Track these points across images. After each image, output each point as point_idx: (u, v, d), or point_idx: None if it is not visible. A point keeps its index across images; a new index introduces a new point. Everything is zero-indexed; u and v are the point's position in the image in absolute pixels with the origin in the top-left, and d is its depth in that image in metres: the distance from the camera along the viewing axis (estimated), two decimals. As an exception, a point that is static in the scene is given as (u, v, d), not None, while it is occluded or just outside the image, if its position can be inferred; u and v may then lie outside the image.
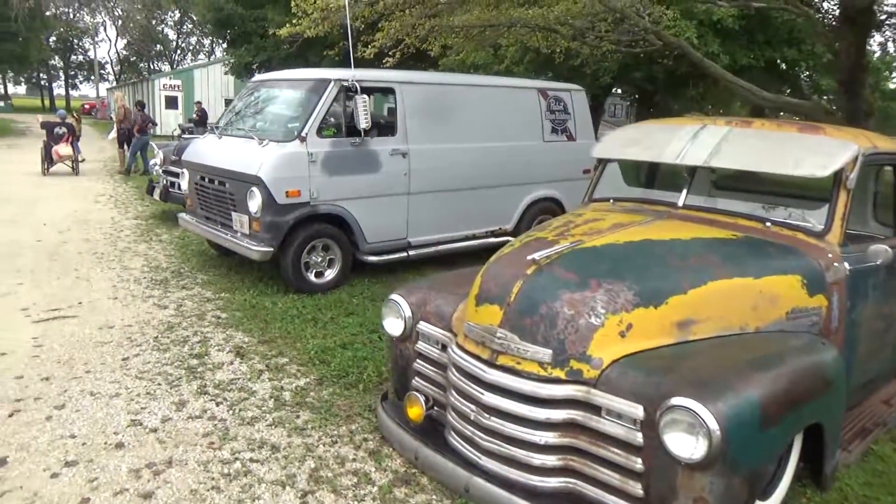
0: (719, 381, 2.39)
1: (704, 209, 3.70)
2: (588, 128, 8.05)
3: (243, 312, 5.34)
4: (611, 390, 2.53)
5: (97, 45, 62.93)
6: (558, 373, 2.64)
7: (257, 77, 6.99)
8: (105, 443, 3.26)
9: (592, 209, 3.95)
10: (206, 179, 6.36)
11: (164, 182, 9.16)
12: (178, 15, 62.21)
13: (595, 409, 2.56)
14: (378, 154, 6.12)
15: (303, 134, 5.68)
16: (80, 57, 64.29)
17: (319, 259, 6.05)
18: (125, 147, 15.26)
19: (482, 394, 2.78)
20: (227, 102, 32.59)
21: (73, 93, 69.86)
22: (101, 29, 59.22)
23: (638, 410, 2.42)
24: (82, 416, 3.53)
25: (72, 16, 56.02)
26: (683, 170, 3.79)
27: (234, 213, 5.99)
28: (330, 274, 6.13)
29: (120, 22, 55.15)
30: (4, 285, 5.89)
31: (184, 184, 6.91)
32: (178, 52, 66.48)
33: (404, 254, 6.50)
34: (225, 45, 29.45)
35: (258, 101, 6.73)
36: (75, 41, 61.19)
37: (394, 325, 3.42)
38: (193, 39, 66.94)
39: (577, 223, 3.51)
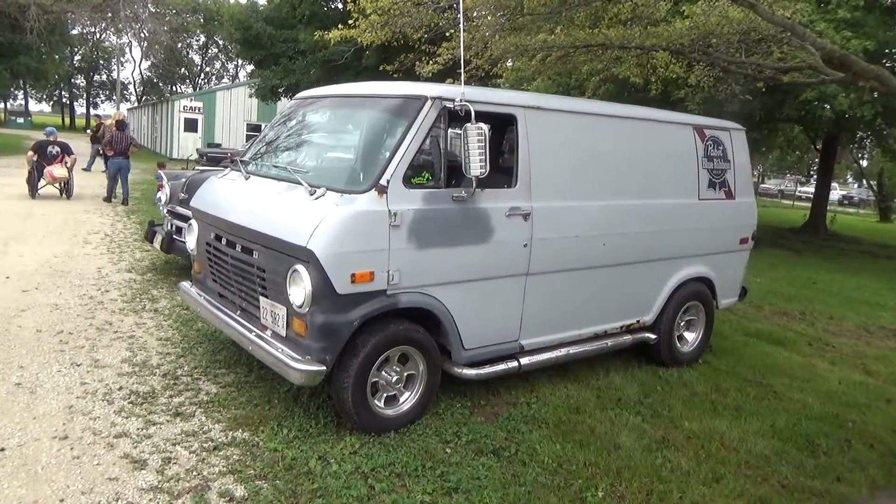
0: None
1: None
2: (748, 181, 5.86)
3: (272, 485, 3.12)
4: None
5: (122, 66, 62.14)
6: None
7: (306, 92, 4.87)
8: None
9: None
10: (223, 241, 4.20)
11: (169, 227, 7.04)
12: (203, 39, 61.59)
13: None
14: (489, 215, 3.94)
15: (382, 182, 3.53)
16: (104, 76, 63.43)
17: (394, 377, 3.85)
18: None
19: None
20: (252, 128, 31.07)
21: (94, 112, 69.14)
22: (127, 50, 58.16)
23: None
24: None
25: (98, 36, 55.36)
26: None
27: (262, 300, 3.81)
28: (408, 400, 3.90)
29: (145, 43, 54.34)
30: None
31: (190, 240, 4.77)
32: (203, 76, 65.68)
33: (514, 364, 4.27)
34: (251, 68, 27.92)
35: (306, 126, 4.60)
36: (100, 61, 60.40)
37: None
38: (218, 64, 66.25)
39: None
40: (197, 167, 10.77)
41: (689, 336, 5.59)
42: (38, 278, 6.65)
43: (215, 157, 18.14)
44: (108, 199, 12.90)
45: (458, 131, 3.63)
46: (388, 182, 3.53)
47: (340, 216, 3.41)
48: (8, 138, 32.06)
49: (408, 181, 3.64)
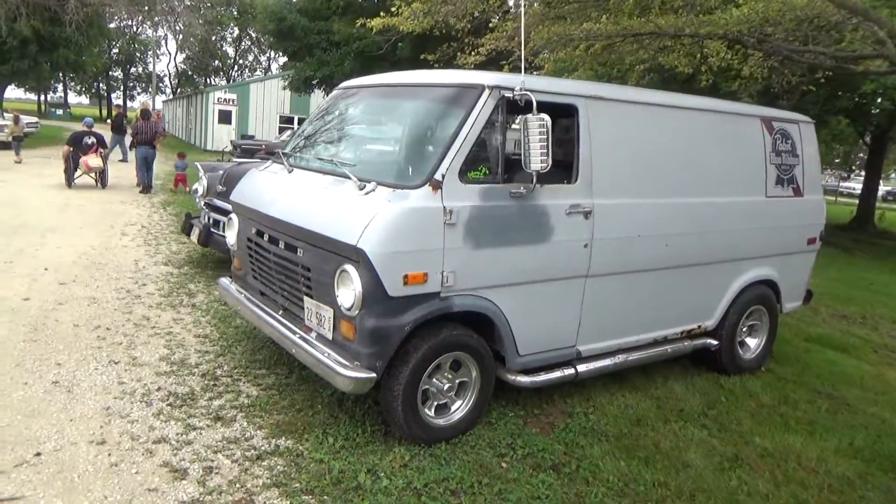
0: None
1: None
2: (817, 178, 5.50)
3: (319, 501, 2.91)
4: None
5: (158, 59, 62.93)
6: None
7: (351, 81, 4.64)
8: None
9: None
10: (266, 236, 4.01)
11: (206, 220, 6.91)
12: (236, 32, 62.00)
13: None
14: (548, 212, 3.68)
15: (437, 176, 3.29)
16: (140, 69, 64.33)
17: (445, 385, 3.61)
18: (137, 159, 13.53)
19: None
20: (285, 120, 31.15)
21: (130, 104, 70.19)
22: (163, 43, 58.95)
23: None
24: None
25: (134, 29, 56.08)
26: None
27: (307, 300, 3.61)
28: (459, 409, 3.67)
29: (181, 36, 54.91)
30: (-67, 398, 3.61)
31: (230, 235, 4.60)
32: (236, 68, 66.20)
33: (571, 371, 4.01)
34: (284, 60, 27.92)
35: (353, 117, 4.38)
36: (137, 54, 61.28)
37: None
38: (251, 56, 66.70)
39: None
40: (233, 159, 10.67)
41: (752, 342, 5.25)
42: (76, 270, 6.57)
43: (249, 149, 18.17)
44: (144, 189, 13.00)
45: (517, 123, 3.38)
46: (443, 177, 3.28)
47: (393, 213, 3.17)
48: (47, 129, 32.63)
49: (463, 176, 3.39)
